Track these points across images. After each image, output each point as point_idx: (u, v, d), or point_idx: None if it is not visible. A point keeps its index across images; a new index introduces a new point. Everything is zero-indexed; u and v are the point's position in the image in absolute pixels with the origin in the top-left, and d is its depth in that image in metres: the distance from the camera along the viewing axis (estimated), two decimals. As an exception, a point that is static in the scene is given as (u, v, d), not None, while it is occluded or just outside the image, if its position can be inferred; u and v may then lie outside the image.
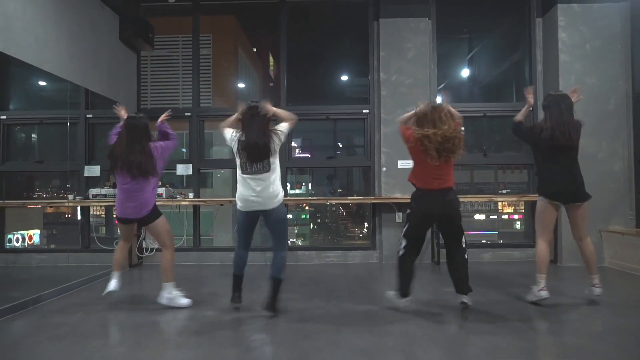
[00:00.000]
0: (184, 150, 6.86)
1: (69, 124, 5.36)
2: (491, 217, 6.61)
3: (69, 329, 3.22)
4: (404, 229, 3.60)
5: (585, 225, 3.77)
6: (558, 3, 5.60)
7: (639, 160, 5.44)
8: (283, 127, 3.54)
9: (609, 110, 5.52)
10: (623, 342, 2.86)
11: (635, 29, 5.49)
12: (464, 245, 3.54)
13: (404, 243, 3.57)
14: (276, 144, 3.42)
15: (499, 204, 6.51)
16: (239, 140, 3.44)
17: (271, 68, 7.68)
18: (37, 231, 6.18)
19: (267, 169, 3.39)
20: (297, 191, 6.83)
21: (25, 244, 5.96)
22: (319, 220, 7.66)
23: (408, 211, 3.64)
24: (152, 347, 2.85)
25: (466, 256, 3.55)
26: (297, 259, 5.83)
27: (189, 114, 6.24)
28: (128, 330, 3.17)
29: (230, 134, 3.53)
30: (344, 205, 7.48)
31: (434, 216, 3.54)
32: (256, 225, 3.66)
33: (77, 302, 3.97)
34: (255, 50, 8.20)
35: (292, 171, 6.89)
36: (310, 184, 7.20)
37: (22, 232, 5.99)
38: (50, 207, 6.26)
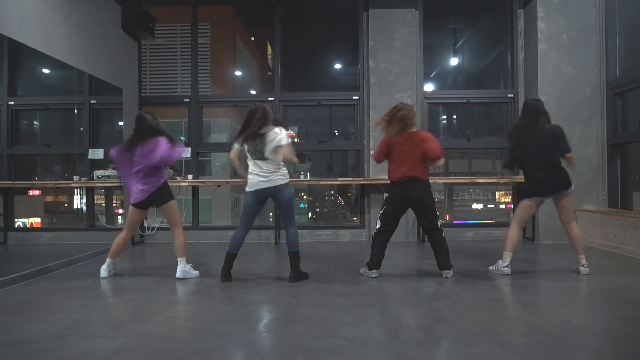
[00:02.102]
0: (183, 138, 7.17)
1: (75, 110, 5.70)
2: (489, 206, 6.88)
3: (82, 291, 3.60)
4: (381, 211, 3.99)
5: (571, 211, 4.03)
6: (538, -5, 5.92)
7: (611, 144, 5.80)
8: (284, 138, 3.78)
9: (583, 96, 5.86)
10: (567, 299, 3.26)
11: (609, 19, 5.81)
12: (439, 226, 3.92)
13: (378, 224, 3.97)
14: (271, 137, 3.73)
15: (497, 193, 6.80)
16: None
17: (269, 57, 7.93)
18: (38, 219, 6.49)
19: (262, 156, 3.74)
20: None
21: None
22: (318, 210, 7.95)
23: (386, 195, 4.03)
24: (156, 304, 3.22)
25: (443, 235, 3.92)
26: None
27: (188, 100, 6.56)
28: (135, 292, 3.55)
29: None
30: (342, 194, 7.77)
31: (406, 200, 3.89)
32: (262, 208, 3.99)
33: (87, 271, 4.35)
34: (253, 39, 8.42)
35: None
36: (308, 174, 7.49)
37: (23, 219, 6.30)
38: (50, 195, 6.57)
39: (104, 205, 6.62)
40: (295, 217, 3.97)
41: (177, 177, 6.24)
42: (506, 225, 6.32)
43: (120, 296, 3.45)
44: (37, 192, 6.57)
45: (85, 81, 6.18)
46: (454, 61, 7.23)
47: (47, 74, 6.22)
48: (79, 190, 6.42)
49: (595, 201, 5.85)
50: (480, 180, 6.35)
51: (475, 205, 6.87)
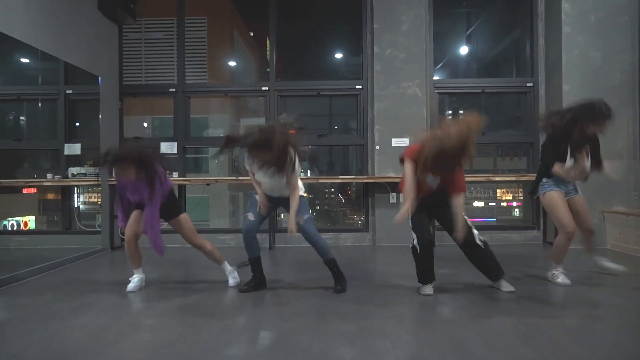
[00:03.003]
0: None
1: (39, 103, 5.10)
2: (490, 204, 6.45)
3: (33, 310, 3.01)
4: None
5: (554, 220, 3.55)
6: (562, -28, 5.30)
7: (644, 138, 5.20)
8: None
9: (613, 85, 5.25)
10: (617, 321, 2.66)
11: (642, -1, 5.21)
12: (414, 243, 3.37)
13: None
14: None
15: (498, 191, 6.34)
16: None
17: (268, 54, 7.45)
18: (33, 217, 5.95)
19: None
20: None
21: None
22: (318, 208, 7.50)
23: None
24: (115, 330, 2.63)
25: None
26: (285, 241, 5.60)
27: (174, 89, 5.96)
28: (94, 313, 2.95)
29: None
30: (343, 192, 7.33)
31: None
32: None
33: (49, 284, 3.77)
34: (252, 34, 7.99)
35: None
36: (309, 172, 7.02)
37: (17, 218, 5.75)
38: (29, 186, 5.97)
39: (99, 202, 6.03)
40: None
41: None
42: (514, 227, 5.94)
43: (75, 318, 2.84)
44: (33, 190, 6.01)
45: (60, 69, 5.60)
46: (465, 49, 6.62)
47: (21, 62, 5.64)
48: (76, 188, 5.85)
49: (626, 202, 5.24)
50: (498, 179, 5.78)
51: (476, 203, 6.42)
